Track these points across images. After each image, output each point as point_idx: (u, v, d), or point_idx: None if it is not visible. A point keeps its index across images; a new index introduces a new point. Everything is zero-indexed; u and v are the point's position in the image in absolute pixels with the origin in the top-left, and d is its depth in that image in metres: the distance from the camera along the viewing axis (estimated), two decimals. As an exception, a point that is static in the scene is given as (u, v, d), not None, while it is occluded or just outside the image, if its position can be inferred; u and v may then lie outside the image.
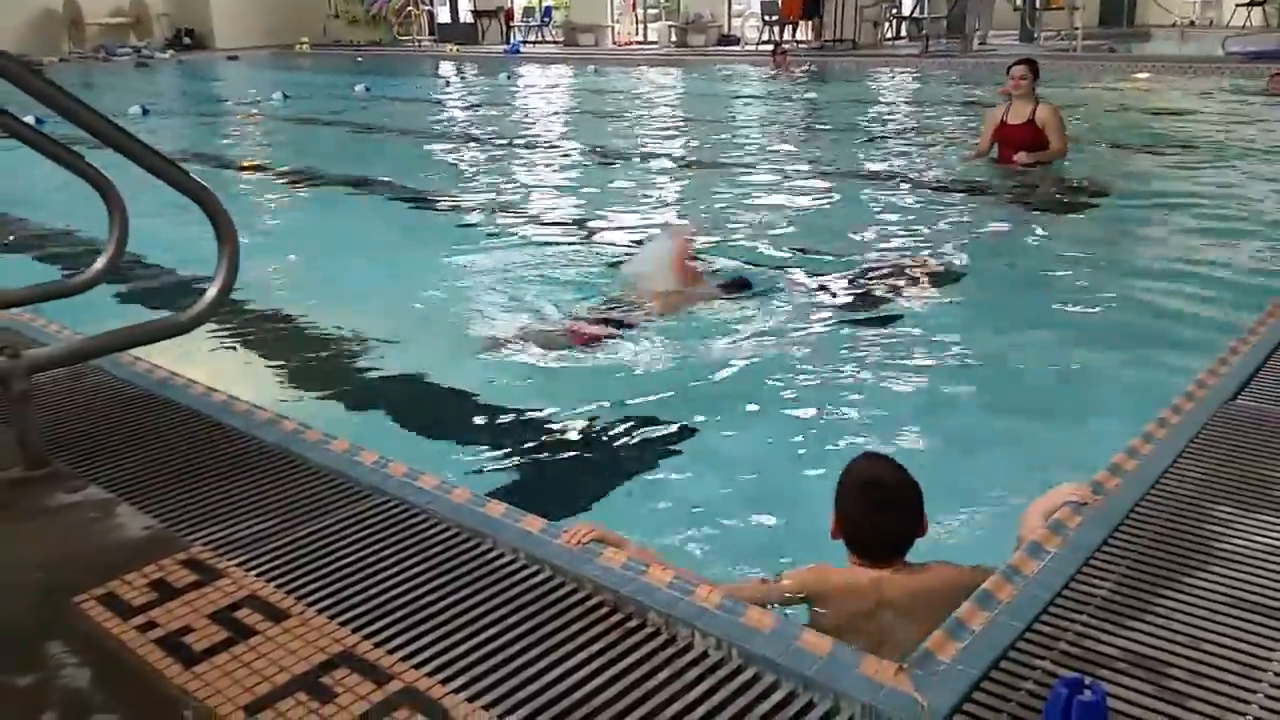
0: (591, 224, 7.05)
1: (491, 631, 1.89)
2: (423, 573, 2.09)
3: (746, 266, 5.60)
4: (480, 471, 3.39)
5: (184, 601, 2.00)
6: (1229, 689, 1.69)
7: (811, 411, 3.78)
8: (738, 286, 5.10)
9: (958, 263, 5.65)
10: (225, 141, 12.43)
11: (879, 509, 2.20)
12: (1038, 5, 19.20)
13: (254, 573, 2.10)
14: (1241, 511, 2.23)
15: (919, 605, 2.12)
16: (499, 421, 3.78)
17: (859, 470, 2.28)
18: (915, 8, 21.32)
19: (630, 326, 4.60)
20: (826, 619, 2.17)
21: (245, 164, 10.26)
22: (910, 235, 6.38)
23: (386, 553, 2.17)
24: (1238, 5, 22.69)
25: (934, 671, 1.75)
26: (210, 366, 3.79)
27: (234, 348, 4.63)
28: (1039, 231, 6.39)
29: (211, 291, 3.04)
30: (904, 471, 2.26)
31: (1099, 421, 3.54)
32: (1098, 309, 4.80)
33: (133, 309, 5.03)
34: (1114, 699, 1.66)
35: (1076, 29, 17.22)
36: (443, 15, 29.29)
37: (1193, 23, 23.71)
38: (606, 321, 4.68)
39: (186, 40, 27.20)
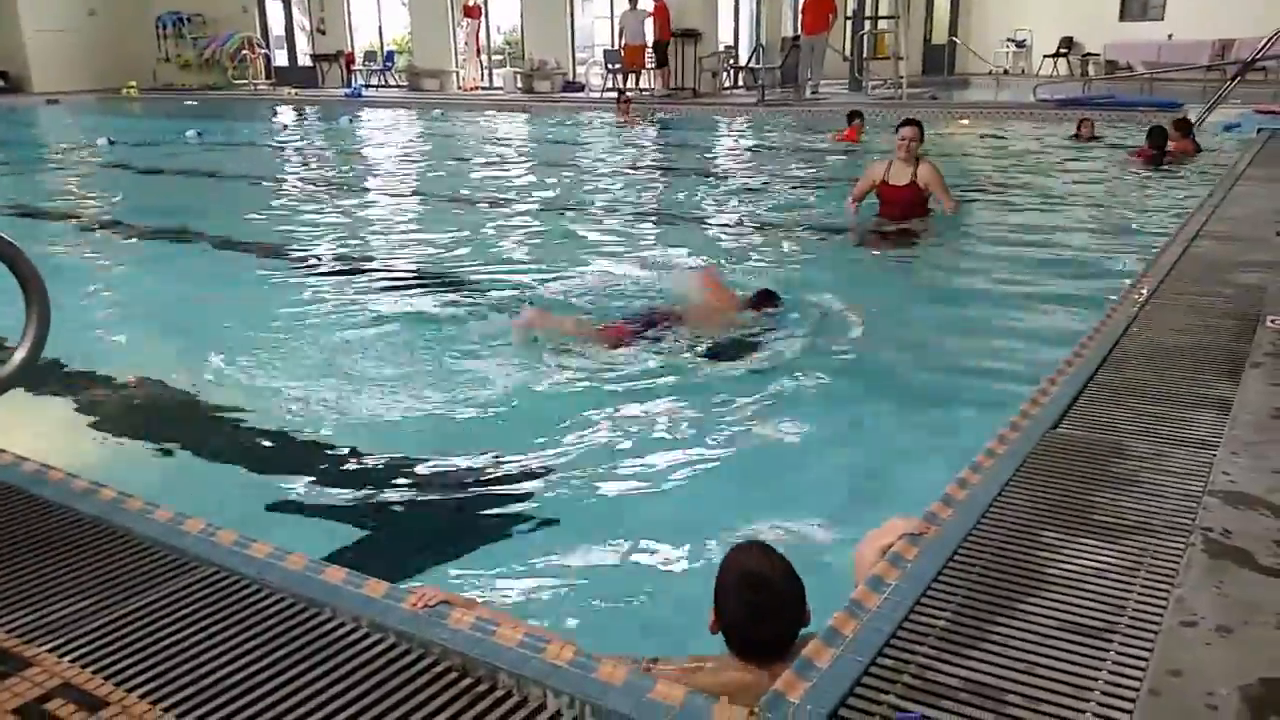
0: (441, 271, 6.94)
1: (331, 708, 1.79)
2: (255, 649, 1.97)
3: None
4: (329, 530, 3.25)
5: (-16, 697, 1.82)
6: (1062, 711, 1.75)
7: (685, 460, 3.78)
8: (767, 301, 5.27)
9: (814, 301, 5.78)
10: (41, 190, 11.70)
11: (760, 615, 2.04)
12: (865, 56, 20.24)
13: (68, 659, 1.94)
14: (1066, 536, 2.35)
15: None
16: (347, 474, 3.65)
17: (738, 567, 2.09)
18: (751, 58, 22.11)
19: (656, 328, 4.98)
20: None
21: (63, 214, 9.67)
22: (757, 277, 6.53)
23: (215, 629, 2.04)
24: (1045, 56, 24.54)
25: (784, 714, 1.75)
26: (21, 433, 3.51)
27: (49, 412, 4.32)
28: (882, 272, 6.67)
29: (19, 354, 2.85)
30: (784, 564, 2.09)
31: (939, 451, 3.69)
32: (932, 343, 5.02)
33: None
34: (956, 729, 1.71)
35: (901, 78, 18.20)
36: (280, 59, 28.58)
37: (1006, 71, 25.45)
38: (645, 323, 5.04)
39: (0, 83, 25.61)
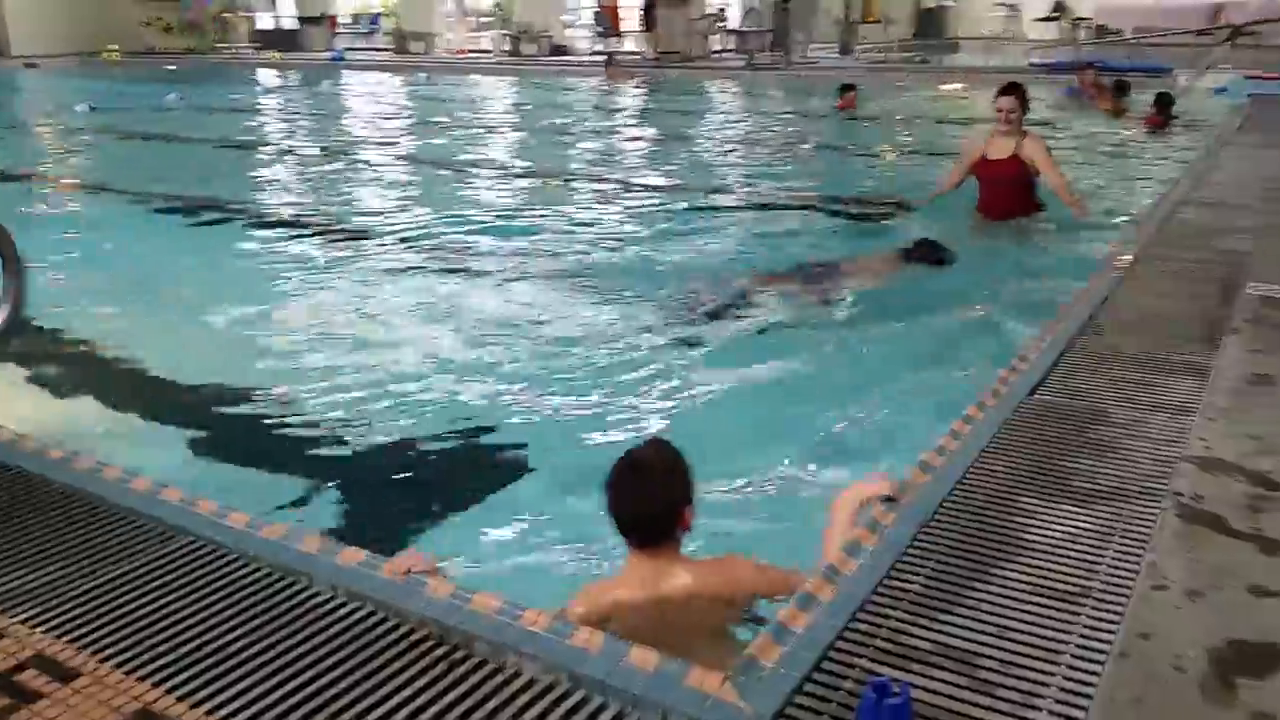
0: (421, 236, 6.89)
1: (307, 676, 1.80)
2: (232, 617, 1.97)
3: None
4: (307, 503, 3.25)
5: (-43, 668, 1.82)
6: (1032, 674, 1.77)
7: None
8: (927, 253, 5.36)
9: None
10: (21, 155, 11.55)
11: (623, 495, 2.20)
12: (854, 19, 20.11)
13: (41, 629, 1.93)
14: (1042, 501, 2.36)
15: (697, 604, 2.17)
16: (329, 447, 3.65)
17: (624, 455, 2.27)
18: (741, 22, 21.93)
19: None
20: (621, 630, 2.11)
21: (44, 180, 9.57)
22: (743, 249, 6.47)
23: (192, 598, 2.03)
24: (1034, 20, 24.40)
25: (758, 677, 1.77)
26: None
27: (24, 382, 4.28)
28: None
29: (-7, 323, 2.83)
30: (667, 457, 2.25)
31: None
32: (921, 314, 5.00)
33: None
34: (928, 692, 1.72)
35: (892, 42, 18.09)
36: (264, 22, 28.23)
37: (998, 36, 25.30)
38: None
39: (-23, 47, 25.21)
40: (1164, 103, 10.53)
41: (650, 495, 2.20)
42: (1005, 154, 6.22)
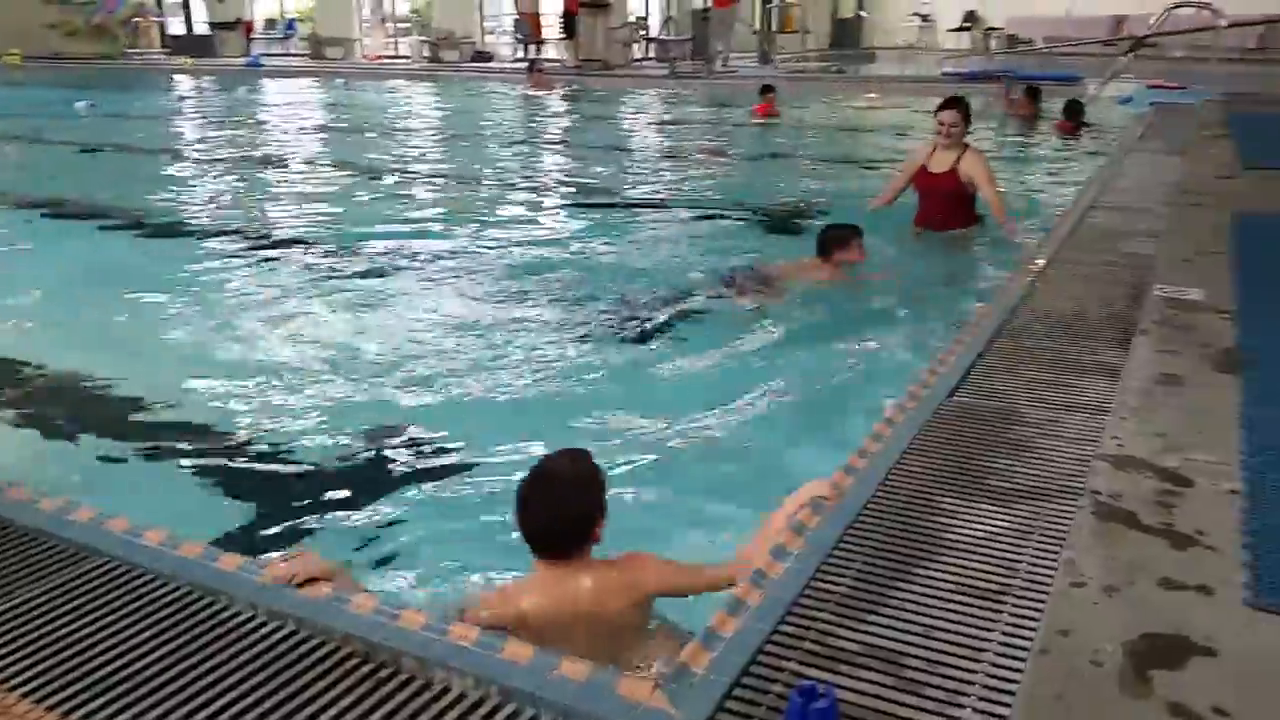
0: (341, 244, 6.78)
1: (228, 699, 1.75)
2: (148, 640, 1.90)
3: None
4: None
5: None
6: (957, 672, 1.80)
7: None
8: (844, 243, 5.37)
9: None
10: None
11: (527, 505, 2.17)
12: (773, 29, 20.40)
13: (-57, 659, 1.85)
14: (962, 501, 2.41)
15: (607, 607, 2.18)
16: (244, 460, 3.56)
17: (537, 465, 2.25)
18: (661, 30, 22.06)
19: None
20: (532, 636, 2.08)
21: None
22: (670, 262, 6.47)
23: (105, 621, 1.96)
24: (948, 30, 25.05)
25: (688, 684, 1.77)
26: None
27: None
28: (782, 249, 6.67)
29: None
30: (580, 470, 2.22)
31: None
32: (841, 320, 5.08)
33: None
34: (855, 693, 1.74)
35: (810, 51, 18.39)
36: (176, 27, 27.50)
37: (912, 46, 25.90)
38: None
39: None
40: (1074, 110, 10.92)
41: (563, 507, 2.16)
42: (945, 168, 6.21)
